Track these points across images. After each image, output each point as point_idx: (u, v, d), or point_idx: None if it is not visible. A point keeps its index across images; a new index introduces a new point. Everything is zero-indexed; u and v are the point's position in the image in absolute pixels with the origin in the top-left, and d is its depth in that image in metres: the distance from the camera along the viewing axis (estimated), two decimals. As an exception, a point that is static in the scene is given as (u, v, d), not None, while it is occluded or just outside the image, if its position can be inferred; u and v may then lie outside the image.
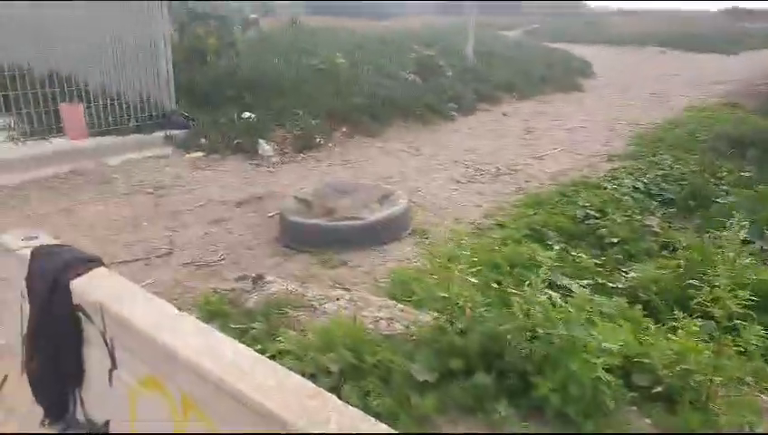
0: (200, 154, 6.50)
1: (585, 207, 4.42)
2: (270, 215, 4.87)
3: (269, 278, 2.94)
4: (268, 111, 7.47)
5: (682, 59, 19.24)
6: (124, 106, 6.52)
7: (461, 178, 5.77)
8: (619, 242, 3.83)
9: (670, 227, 4.24)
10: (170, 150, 6.50)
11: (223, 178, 5.85)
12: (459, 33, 16.72)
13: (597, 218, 4.22)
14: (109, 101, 6.45)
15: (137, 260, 3.95)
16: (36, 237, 1.99)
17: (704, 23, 31.66)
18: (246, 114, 7.35)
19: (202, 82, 8.14)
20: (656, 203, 4.89)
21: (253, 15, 13.99)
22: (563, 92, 11.58)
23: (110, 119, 6.42)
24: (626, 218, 4.17)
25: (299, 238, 4.18)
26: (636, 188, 5.06)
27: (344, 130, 7.32)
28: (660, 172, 5.54)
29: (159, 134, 6.58)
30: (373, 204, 4.47)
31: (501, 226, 4.40)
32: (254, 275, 3.03)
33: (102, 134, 6.36)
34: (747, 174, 5.35)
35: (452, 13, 29.23)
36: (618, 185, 5.10)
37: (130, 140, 6.33)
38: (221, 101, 7.78)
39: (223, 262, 3.99)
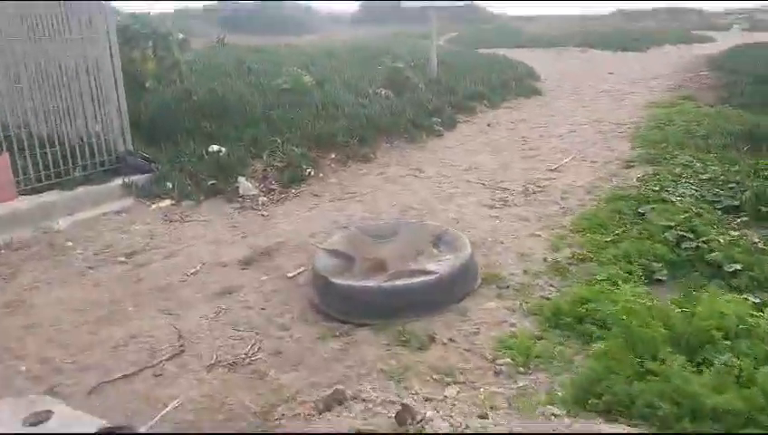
0: (169, 202, 5.37)
1: (669, 227, 3.78)
2: (290, 275, 3.89)
3: (427, 413, 2.00)
4: (239, 143, 6.41)
5: (603, 58, 19.64)
6: (67, 151, 5.25)
7: (491, 202, 5.01)
8: (743, 269, 3.20)
9: (769, 241, 3.68)
10: (131, 202, 5.32)
11: (208, 230, 4.78)
12: (390, 43, 16.23)
13: (692, 239, 3.59)
14: (47, 147, 5.15)
15: (141, 371, 2.87)
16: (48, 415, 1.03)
17: (603, 23, 33.11)
18: (214, 148, 6.25)
19: (148, 114, 6.95)
20: (719, 212, 4.35)
21: (180, 35, 12.70)
22: (525, 97, 11.19)
23: (50, 169, 5.14)
24: (728, 237, 3.57)
25: (349, 307, 3.24)
26: (698, 198, 4.51)
27: (333, 156, 6.40)
28: (703, 176, 5.05)
29: (115, 183, 5.38)
30: (428, 249, 3.62)
31: (582, 260, 3.67)
32: (398, 407, 2.06)
33: (40, 190, 5.07)
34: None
35: (367, 24, 28.86)
36: (679, 195, 4.52)
37: (80, 195, 5.09)
38: (176, 135, 6.63)
39: (260, 355, 3.00)
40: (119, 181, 5.39)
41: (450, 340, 2.91)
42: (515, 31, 28.33)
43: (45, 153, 5.09)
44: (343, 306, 3.25)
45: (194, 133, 6.67)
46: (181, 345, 3.10)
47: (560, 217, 4.59)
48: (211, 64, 10.55)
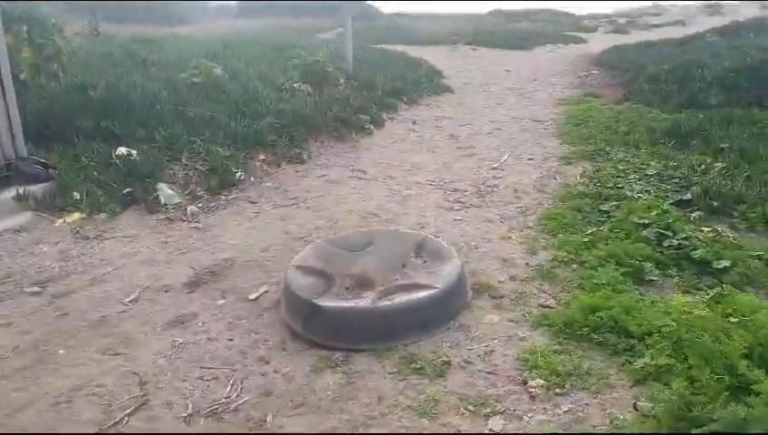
0: (78, 216, 4.55)
1: (645, 225, 3.78)
2: (252, 297, 3.39)
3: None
4: (151, 145, 5.66)
5: (494, 55, 20.41)
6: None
7: (448, 204, 4.79)
8: (731, 265, 3.24)
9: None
10: (29, 217, 4.43)
11: (135, 248, 4.09)
12: (283, 37, 15.59)
13: (671, 237, 3.60)
14: None
15: (102, 432, 2.27)
16: None
17: (484, 22, 34.59)
18: (122, 151, 5.44)
19: (34, 111, 5.94)
20: (674, 207, 4.46)
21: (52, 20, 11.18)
22: (437, 95, 11.17)
23: None
24: (706, 234, 3.62)
25: (339, 331, 2.83)
26: (650, 193, 4.60)
27: (262, 158, 5.84)
28: (647, 172, 5.20)
29: (6, 195, 4.46)
30: (411, 260, 3.30)
31: (565, 262, 3.55)
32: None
33: None
34: (720, 164, 5.25)
35: (248, 17, 27.68)
36: (638, 192, 4.58)
37: (-37, 211, 4.15)
38: (72, 136, 5.72)
39: (246, 397, 2.51)
40: (10, 193, 4.47)
41: (467, 362, 2.62)
42: (405, 28, 28.66)
43: None
44: (332, 331, 2.84)
45: (94, 134, 5.80)
46: (144, 394, 2.52)
47: (523, 217, 4.47)
48: (96, 54, 9.40)
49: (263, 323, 3.13)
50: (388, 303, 2.81)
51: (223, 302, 3.37)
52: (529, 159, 6.21)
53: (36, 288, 3.48)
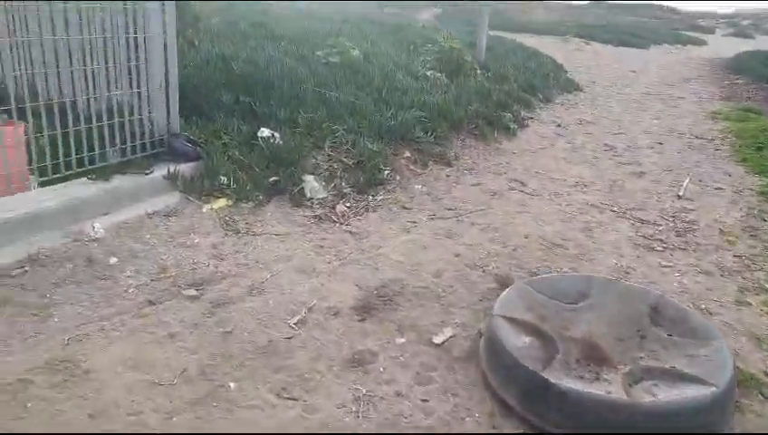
0: (224, 203, 4.20)
1: None
2: (438, 342, 2.87)
3: None
4: (293, 128, 5.24)
5: (609, 52, 18.91)
6: (105, 127, 3.97)
7: (646, 242, 4.05)
8: None
9: None
10: (177, 199, 4.12)
11: (289, 249, 3.66)
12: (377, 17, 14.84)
13: None
14: (82, 119, 3.84)
15: None
16: None
17: (585, 12, 32.03)
18: (265, 132, 5.05)
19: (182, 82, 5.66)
20: None
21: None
22: (569, 93, 10.29)
23: (81, 152, 3.86)
24: None
25: (580, 423, 2.21)
26: None
27: (407, 155, 5.31)
28: None
29: (158, 173, 4.15)
30: (650, 329, 2.64)
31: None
32: None
33: (64, 179, 3.79)
34: None
35: None
36: None
37: (117, 188, 3.84)
38: (213, 111, 5.38)
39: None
40: (161, 171, 4.16)
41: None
42: (504, 13, 27.07)
43: (79, 130, 3.78)
44: (569, 421, 2.24)
45: (233, 110, 5.44)
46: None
47: (748, 273, 3.68)
48: (228, 25, 9.14)
49: (458, 381, 2.59)
50: (654, 400, 2.18)
51: (403, 341, 2.86)
52: (717, 189, 5.33)
53: (193, 291, 3.11)
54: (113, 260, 3.28)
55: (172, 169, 4.15)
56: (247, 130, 5.03)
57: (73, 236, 3.41)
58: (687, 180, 5.43)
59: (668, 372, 2.33)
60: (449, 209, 4.44)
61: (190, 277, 3.23)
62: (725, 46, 21.65)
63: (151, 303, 2.96)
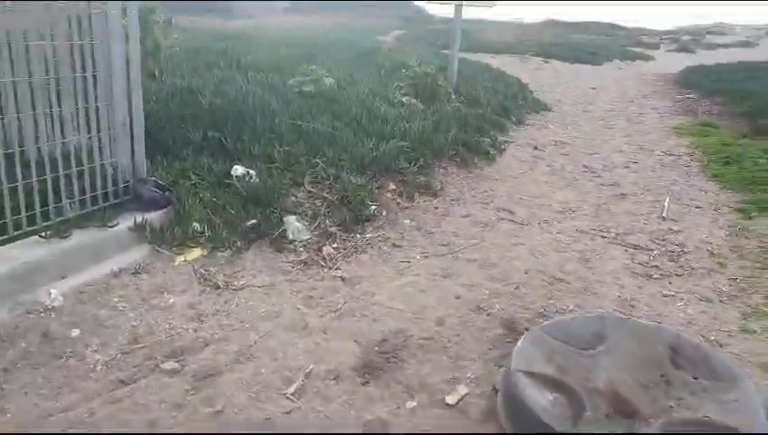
0: (199, 253, 3.85)
1: None
2: (451, 403, 2.59)
3: None
4: (269, 163, 4.94)
5: (568, 69, 19.22)
6: (61, 177, 3.56)
7: (644, 270, 3.89)
8: None
9: None
10: (146, 252, 3.74)
11: (275, 304, 3.33)
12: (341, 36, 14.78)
13: None
14: (33, 169, 3.42)
15: None
16: None
17: (541, 32, 32.73)
18: (239, 170, 4.73)
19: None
20: None
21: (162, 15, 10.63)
22: (536, 113, 10.28)
23: (33, 205, 3.45)
24: None
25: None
26: None
27: (392, 187, 5.06)
28: None
29: (124, 225, 3.77)
30: (672, 371, 2.44)
31: None
32: None
33: (12, 240, 3.35)
34: None
35: (299, 12, 27.10)
36: None
37: (76, 246, 3.44)
38: (177, 148, 5.04)
39: None
40: (126, 222, 3.78)
41: None
42: (466, 34, 27.42)
43: (18, 185, 3.37)
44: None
45: (200, 146, 5.12)
46: None
47: (743, 295, 3.56)
48: (189, 54, 8.82)
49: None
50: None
51: (414, 405, 2.57)
52: (697, 208, 5.26)
53: (173, 363, 2.75)
54: (75, 332, 2.89)
55: (139, 220, 3.78)
56: (219, 169, 4.70)
57: (25, 307, 3.00)
58: (668, 200, 5.36)
59: (703, 423, 2.12)
60: (442, 245, 4.19)
61: (168, 346, 2.87)
62: (671, 61, 22.30)
63: (124, 382, 2.59)
